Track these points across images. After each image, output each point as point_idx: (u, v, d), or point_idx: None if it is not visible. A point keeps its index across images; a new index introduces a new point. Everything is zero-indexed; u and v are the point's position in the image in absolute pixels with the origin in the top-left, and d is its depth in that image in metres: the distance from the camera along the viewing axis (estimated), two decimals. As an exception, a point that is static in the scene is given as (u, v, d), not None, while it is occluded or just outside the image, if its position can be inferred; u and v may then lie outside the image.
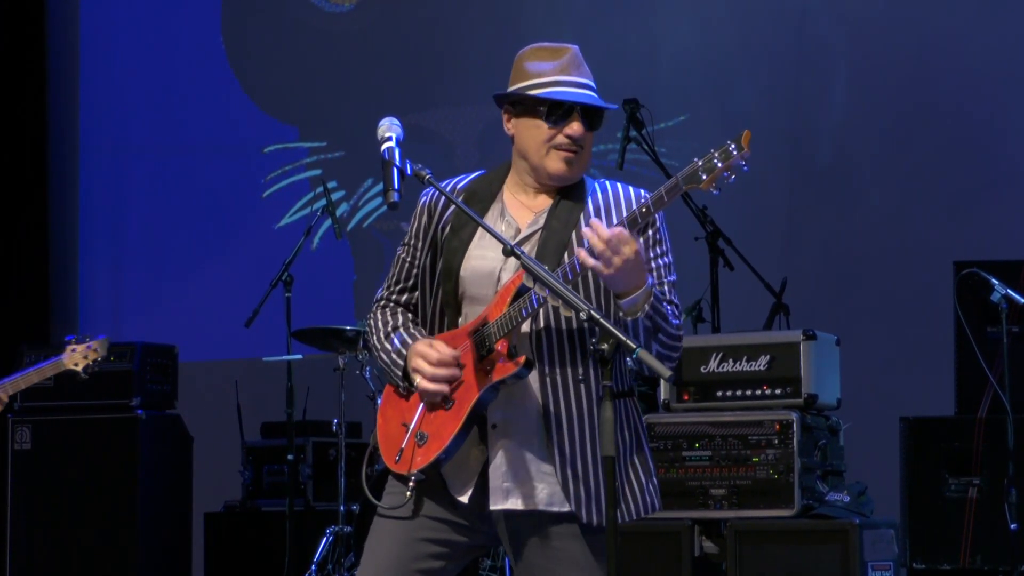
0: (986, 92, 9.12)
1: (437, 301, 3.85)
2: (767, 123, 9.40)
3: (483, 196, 3.86)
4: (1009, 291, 6.77)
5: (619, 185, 3.89)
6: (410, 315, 3.93)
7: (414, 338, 3.83)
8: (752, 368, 6.62)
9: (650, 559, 6.45)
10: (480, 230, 3.79)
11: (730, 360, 6.65)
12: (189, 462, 8.92)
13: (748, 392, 6.60)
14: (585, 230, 3.64)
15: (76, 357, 6.19)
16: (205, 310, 10.01)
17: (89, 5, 10.76)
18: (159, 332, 9.22)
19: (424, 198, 3.91)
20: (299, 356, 8.11)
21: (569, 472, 3.74)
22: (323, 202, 8.33)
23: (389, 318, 3.92)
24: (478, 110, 9.74)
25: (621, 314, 3.66)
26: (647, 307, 3.65)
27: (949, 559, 7.06)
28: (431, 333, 3.87)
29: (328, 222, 8.53)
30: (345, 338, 7.88)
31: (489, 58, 9.72)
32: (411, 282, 3.92)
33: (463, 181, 3.92)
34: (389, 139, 3.76)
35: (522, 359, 3.67)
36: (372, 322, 3.95)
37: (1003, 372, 6.85)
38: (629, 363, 3.84)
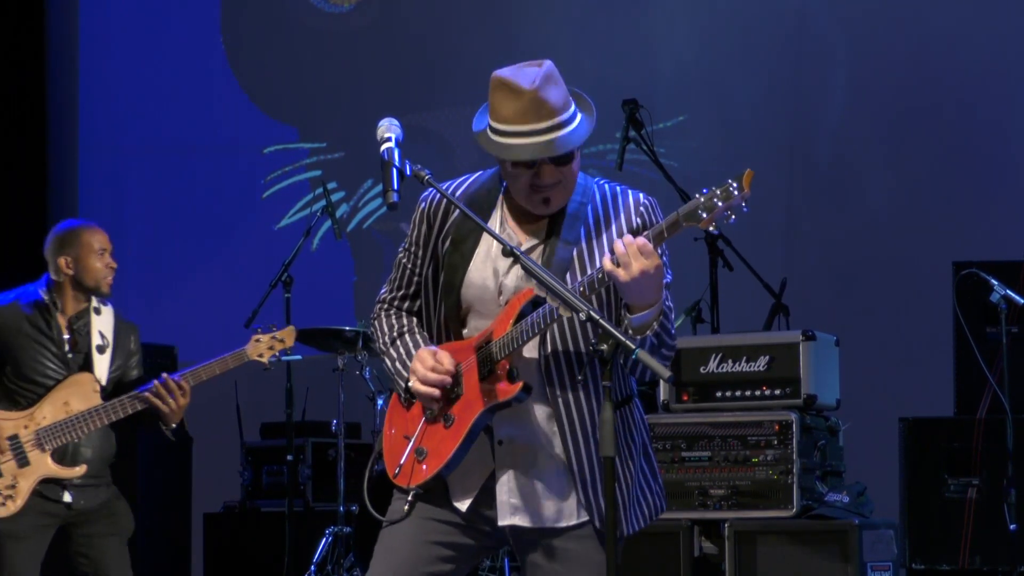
0: (985, 92, 9.13)
1: (441, 314, 3.83)
2: (767, 123, 9.41)
3: (481, 206, 3.81)
4: (1008, 292, 6.77)
5: (618, 190, 3.82)
6: (415, 319, 3.92)
7: (418, 345, 3.83)
8: (751, 369, 6.62)
9: (650, 559, 6.45)
10: (481, 242, 3.77)
11: (729, 361, 6.65)
12: (189, 462, 8.92)
13: (747, 393, 6.60)
14: (616, 242, 3.58)
15: (260, 348, 6.01)
16: (205, 310, 10.01)
17: (89, 5, 10.77)
18: (159, 332, 9.22)
19: (423, 204, 3.86)
20: (298, 357, 8.09)
21: (590, 490, 3.76)
22: (323, 203, 8.32)
23: (395, 322, 3.92)
24: (477, 110, 9.74)
25: (631, 331, 3.63)
26: (656, 326, 3.63)
27: (949, 559, 7.06)
28: (436, 343, 3.85)
29: (328, 223, 8.53)
30: (344, 339, 7.89)
31: (488, 59, 9.67)
32: (412, 289, 3.91)
33: (462, 187, 3.87)
34: (388, 140, 3.74)
35: (520, 384, 3.67)
36: (377, 324, 3.94)
37: (1002, 372, 6.85)
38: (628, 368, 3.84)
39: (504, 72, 3.72)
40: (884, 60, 9.34)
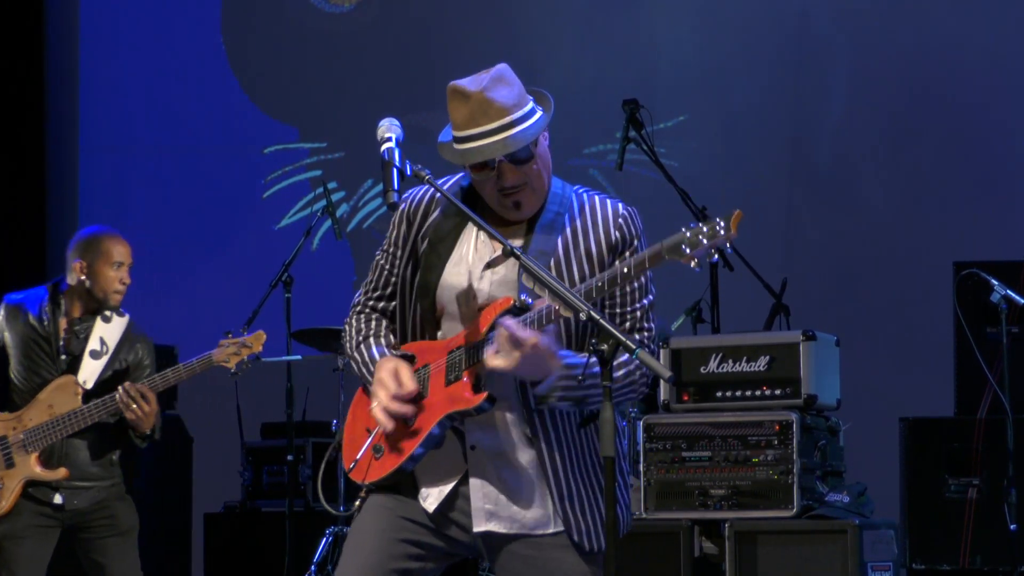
0: (985, 92, 9.13)
1: (416, 315, 3.81)
2: (767, 123, 9.41)
3: (456, 210, 3.76)
4: (1009, 292, 6.77)
5: (596, 200, 3.79)
6: (385, 322, 3.90)
7: (383, 353, 3.80)
8: (752, 369, 6.62)
9: (650, 559, 6.45)
10: (458, 244, 3.76)
11: (730, 361, 6.65)
12: (189, 462, 8.92)
13: (748, 393, 6.60)
14: (505, 321, 3.56)
15: (226, 353, 5.97)
16: (205, 310, 10.01)
17: (89, 5, 10.77)
18: (159, 332, 9.19)
19: (403, 204, 3.85)
20: (299, 357, 8.10)
21: (566, 501, 3.74)
22: (323, 203, 8.32)
23: (363, 325, 3.89)
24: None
25: (533, 403, 3.66)
26: (559, 392, 3.61)
27: (949, 559, 7.06)
28: (409, 343, 3.83)
29: (328, 223, 8.52)
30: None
31: (489, 59, 9.68)
32: (389, 290, 3.89)
33: (435, 192, 3.84)
34: (389, 140, 3.74)
35: (483, 395, 3.65)
36: (347, 328, 3.92)
37: (1003, 373, 6.85)
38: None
39: (456, 80, 3.74)
40: (885, 60, 9.34)
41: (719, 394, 6.64)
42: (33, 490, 5.88)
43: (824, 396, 6.61)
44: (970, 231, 8.84)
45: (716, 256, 3.51)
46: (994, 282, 6.81)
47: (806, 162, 9.50)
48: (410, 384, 3.70)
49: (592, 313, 3.47)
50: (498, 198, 3.72)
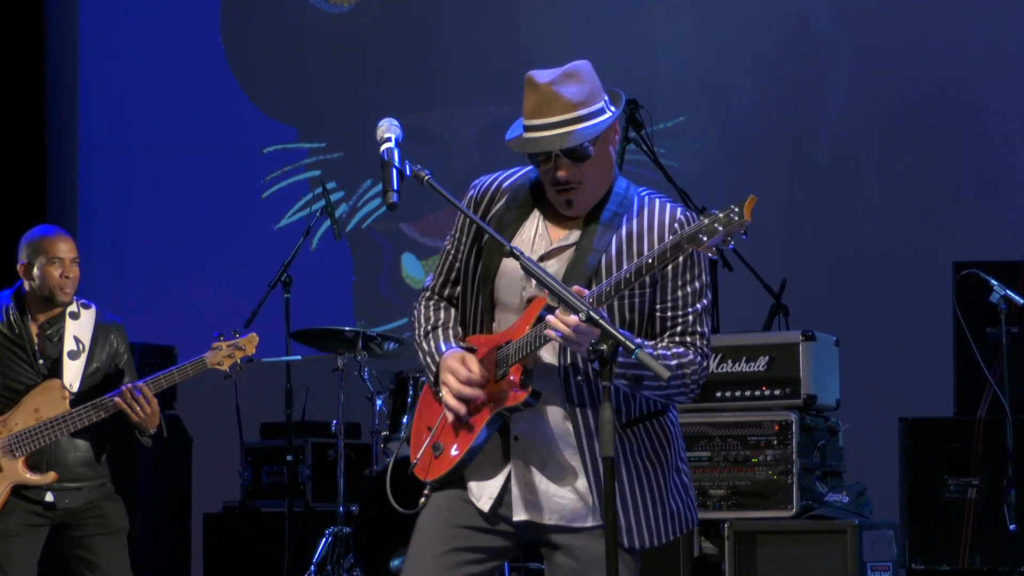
0: (986, 92, 9.13)
1: (477, 304, 3.86)
2: (767, 123, 9.41)
3: (523, 200, 3.85)
4: (1008, 292, 6.77)
5: (656, 203, 3.82)
6: (453, 311, 3.94)
7: (449, 344, 3.85)
8: (751, 369, 6.62)
9: (650, 559, 6.41)
10: (516, 236, 3.79)
11: (729, 361, 6.65)
12: (189, 462, 8.92)
13: (747, 393, 6.60)
14: (549, 318, 3.58)
15: (220, 356, 5.93)
16: (205, 310, 10.01)
17: (89, 5, 10.76)
18: (159, 332, 9.23)
19: (472, 191, 3.91)
20: (298, 357, 8.10)
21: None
22: (322, 203, 8.32)
23: (431, 314, 3.94)
24: (477, 110, 9.74)
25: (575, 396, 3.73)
26: (618, 371, 3.61)
27: (948, 560, 7.06)
28: (469, 333, 3.88)
29: (327, 223, 8.53)
30: (344, 339, 7.88)
31: (488, 59, 9.72)
32: (453, 275, 3.94)
33: (511, 178, 3.91)
34: (388, 140, 3.75)
35: (528, 391, 3.69)
36: (416, 315, 3.98)
37: (1002, 373, 6.85)
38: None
39: (534, 70, 3.77)
40: (884, 60, 9.35)
41: (718, 394, 6.64)
42: (24, 490, 5.87)
43: (823, 396, 6.61)
44: (970, 231, 8.84)
45: (732, 244, 3.53)
46: (994, 282, 6.81)
47: (806, 162, 9.50)
48: (479, 371, 3.74)
49: (591, 313, 3.49)
50: (553, 192, 3.77)
